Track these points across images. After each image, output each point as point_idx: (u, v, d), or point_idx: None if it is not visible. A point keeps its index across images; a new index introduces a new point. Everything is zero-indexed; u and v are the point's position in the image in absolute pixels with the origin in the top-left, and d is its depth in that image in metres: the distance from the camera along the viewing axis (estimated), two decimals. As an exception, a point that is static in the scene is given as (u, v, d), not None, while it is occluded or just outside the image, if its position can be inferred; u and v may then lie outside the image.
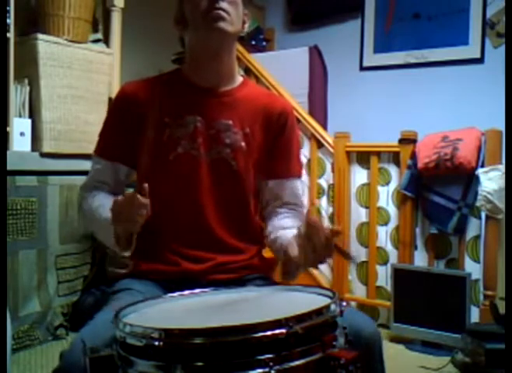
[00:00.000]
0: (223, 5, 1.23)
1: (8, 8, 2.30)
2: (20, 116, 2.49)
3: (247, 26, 1.34)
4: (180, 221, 1.30)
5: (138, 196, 1.09)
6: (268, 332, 0.79)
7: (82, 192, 1.37)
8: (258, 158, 1.35)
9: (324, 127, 3.41)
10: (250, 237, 1.37)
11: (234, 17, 1.26)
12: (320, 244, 1.04)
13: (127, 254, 1.22)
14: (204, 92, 1.33)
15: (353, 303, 2.98)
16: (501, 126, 2.18)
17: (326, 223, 1.06)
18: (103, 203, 1.26)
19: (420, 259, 2.77)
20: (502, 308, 2.19)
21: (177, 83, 1.35)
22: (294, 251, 1.14)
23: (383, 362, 1.13)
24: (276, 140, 1.37)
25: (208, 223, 1.30)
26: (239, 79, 1.39)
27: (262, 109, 1.36)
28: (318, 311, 0.86)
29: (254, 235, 1.39)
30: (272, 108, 1.37)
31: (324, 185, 3.13)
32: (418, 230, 2.79)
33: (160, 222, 1.30)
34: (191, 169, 1.29)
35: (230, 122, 1.32)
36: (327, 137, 3.11)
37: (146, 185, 1.10)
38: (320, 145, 3.15)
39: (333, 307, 0.89)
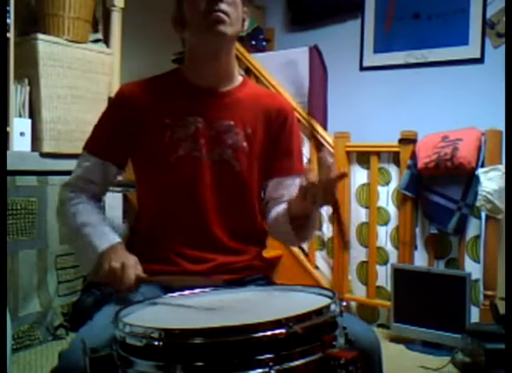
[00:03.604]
0: (223, 6, 1.21)
1: (8, 8, 2.31)
2: (20, 116, 2.49)
3: (246, 24, 1.32)
4: (182, 222, 1.30)
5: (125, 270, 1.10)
6: (268, 333, 0.79)
7: (66, 191, 1.32)
8: (261, 158, 1.34)
9: (324, 127, 3.41)
10: (253, 238, 1.36)
11: (234, 18, 1.24)
12: (320, 188, 1.06)
13: None
14: (204, 93, 1.32)
15: (353, 303, 2.98)
16: (501, 126, 2.18)
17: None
18: (88, 222, 1.24)
19: (420, 259, 2.77)
20: (502, 308, 2.19)
21: (177, 84, 1.34)
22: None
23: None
24: (276, 138, 1.36)
25: (209, 224, 1.29)
26: (239, 79, 1.38)
27: (263, 109, 1.35)
28: (318, 312, 0.86)
29: (257, 236, 1.38)
30: (272, 107, 1.37)
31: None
32: (418, 230, 2.79)
33: (161, 223, 1.30)
34: (193, 171, 1.28)
35: (232, 123, 1.31)
36: (327, 137, 3.11)
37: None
38: (320, 145, 3.15)
39: (333, 307, 0.89)
